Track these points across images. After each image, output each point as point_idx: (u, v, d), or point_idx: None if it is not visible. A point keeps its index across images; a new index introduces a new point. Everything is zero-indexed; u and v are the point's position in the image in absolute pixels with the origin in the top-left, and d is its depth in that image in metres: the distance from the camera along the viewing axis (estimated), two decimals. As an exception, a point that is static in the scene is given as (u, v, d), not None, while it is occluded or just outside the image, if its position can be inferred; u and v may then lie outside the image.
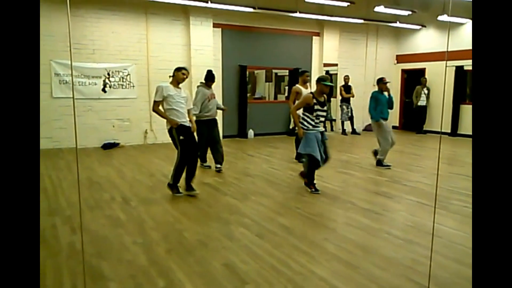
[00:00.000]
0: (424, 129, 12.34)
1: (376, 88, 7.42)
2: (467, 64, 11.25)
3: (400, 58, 13.45)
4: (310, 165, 5.45)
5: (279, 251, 3.53)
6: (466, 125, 11.54)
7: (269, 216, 4.50)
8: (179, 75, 5.06)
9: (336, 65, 12.30)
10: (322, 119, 5.46)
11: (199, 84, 6.64)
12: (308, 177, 5.53)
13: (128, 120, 9.65)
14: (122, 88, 9.41)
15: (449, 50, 11.62)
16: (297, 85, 7.33)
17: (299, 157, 7.29)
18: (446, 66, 11.88)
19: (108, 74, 9.18)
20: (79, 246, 3.51)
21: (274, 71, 12.93)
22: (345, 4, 9.46)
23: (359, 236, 3.95)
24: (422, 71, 12.60)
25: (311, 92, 5.52)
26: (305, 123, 5.36)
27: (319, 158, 5.28)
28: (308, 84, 7.36)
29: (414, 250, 3.57)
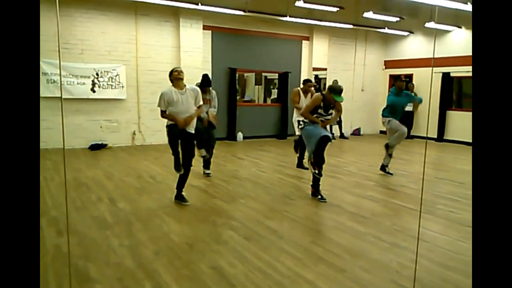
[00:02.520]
0: (411, 134, 12.49)
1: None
2: (454, 71, 11.44)
3: (388, 64, 13.61)
4: (315, 156, 5.24)
5: (266, 254, 3.54)
6: (452, 130, 11.72)
7: (257, 219, 4.51)
8: (173, 75, 4.88)
9: (325, 69, 12.39)
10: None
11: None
12: (314, 182, 5.37)
13: (116, 121, 9.58)
14: (112, 88, 9.33)
15: (436, 56, 11.79)
16: (299, 89, 7.48)
17: (301, 165, 7.31)
18: (432, 73, 12.06)
19: (97, 74, 9.10)
20: (65, 248, 3.48)
21: (264, 74, 12.96)
22: (334, 9, 9.54)
23: (346, 239, 3.99)
24: (409, 77, 12.76)
25: (322, 94, 5.36)
26: (304, 121, 5.41)
27: (327, 134, 5.15)
28: (309, 94, 7.35)
29: (400, 254, 3.62)
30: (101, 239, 3.83)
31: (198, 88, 5.15)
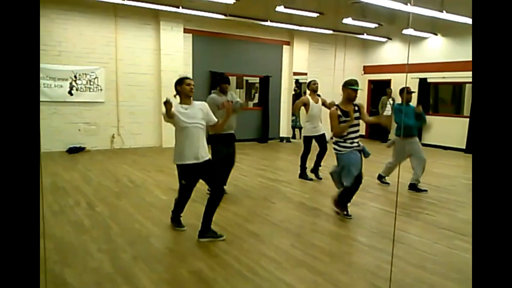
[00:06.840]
0: (389, 138, 12.70)
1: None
2: (430, 77, 11.73)
3: (367, 69, 13.84)
4: (351, 188, 4.63)
5: (247, 257, 3.55)
6: (429, 135, 11.97)
7: (238, 223, 4.52)
8: (185, 89, 3.89)
9: (306, 74, 12.51)
10: (356, 134, 4.61)
11: (212, 91, 5.75)
12: (342, 200, 4.76)
13: (95, 124, 9.44)
14: (90, 91, 9.19)
15: (413, 62, 12.05)
16: (306, 96, 7.02)
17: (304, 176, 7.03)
18: (406, 78, 12.30)
19: (75, 76, 8.96)
20: (42, 253, 3.40)
21: (245, 78, 12.99)
22: (314, 14, 9.66)
23: (326, 242, 4.03)
24: (387, 82, 13.00)
25: (336, 105, 4.68)
26: (338, 143, 4.62)
27: (360, 172, 4.64)
28: (317, 94, 6.99)
29: (378, 256, 3.68)
30: (79, 243, 3.77)
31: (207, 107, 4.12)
